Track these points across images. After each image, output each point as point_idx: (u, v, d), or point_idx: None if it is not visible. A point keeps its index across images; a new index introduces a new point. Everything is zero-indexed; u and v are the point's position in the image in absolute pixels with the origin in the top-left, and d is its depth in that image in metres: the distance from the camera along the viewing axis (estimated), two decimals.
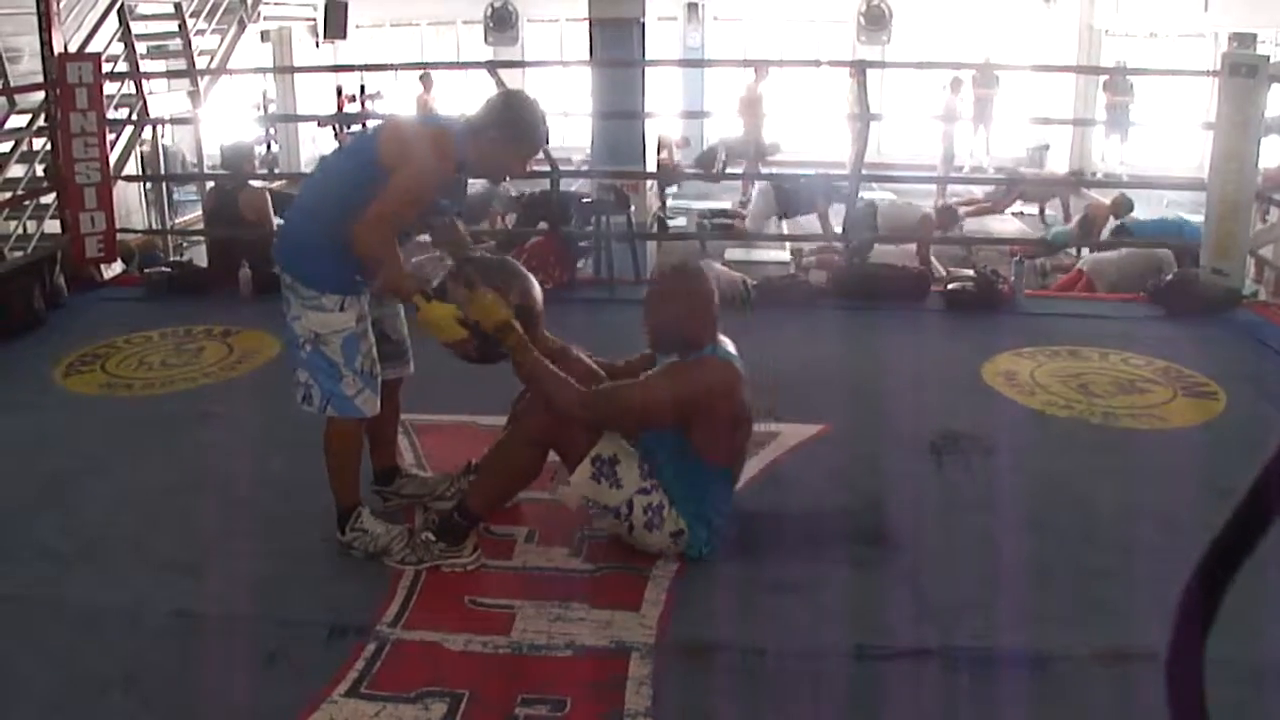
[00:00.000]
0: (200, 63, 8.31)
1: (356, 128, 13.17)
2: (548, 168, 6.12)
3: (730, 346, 2.76)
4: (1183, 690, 0.80)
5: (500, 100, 2.76)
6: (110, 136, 6.00)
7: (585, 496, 2.67)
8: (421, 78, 12.93)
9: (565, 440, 2.65)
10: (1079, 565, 2.72)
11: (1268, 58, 5.80)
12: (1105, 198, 8.72)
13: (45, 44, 5.61)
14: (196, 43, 8.26)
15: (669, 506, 2.65)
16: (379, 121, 2.96)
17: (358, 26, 14.08)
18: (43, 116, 5.82)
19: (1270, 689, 2.15)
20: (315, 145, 13.68)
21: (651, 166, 8.10)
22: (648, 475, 2.65)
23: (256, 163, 7.93)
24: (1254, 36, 12.06)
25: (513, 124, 2.67)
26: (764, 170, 10.67)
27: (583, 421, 2.62)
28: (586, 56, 7.22)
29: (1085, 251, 7.82)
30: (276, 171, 11.91)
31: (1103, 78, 13.29)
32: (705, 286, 2.76)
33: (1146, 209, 10.46)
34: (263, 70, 13.25)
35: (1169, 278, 5.53)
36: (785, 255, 8.71)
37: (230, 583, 2.64)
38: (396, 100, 13.55)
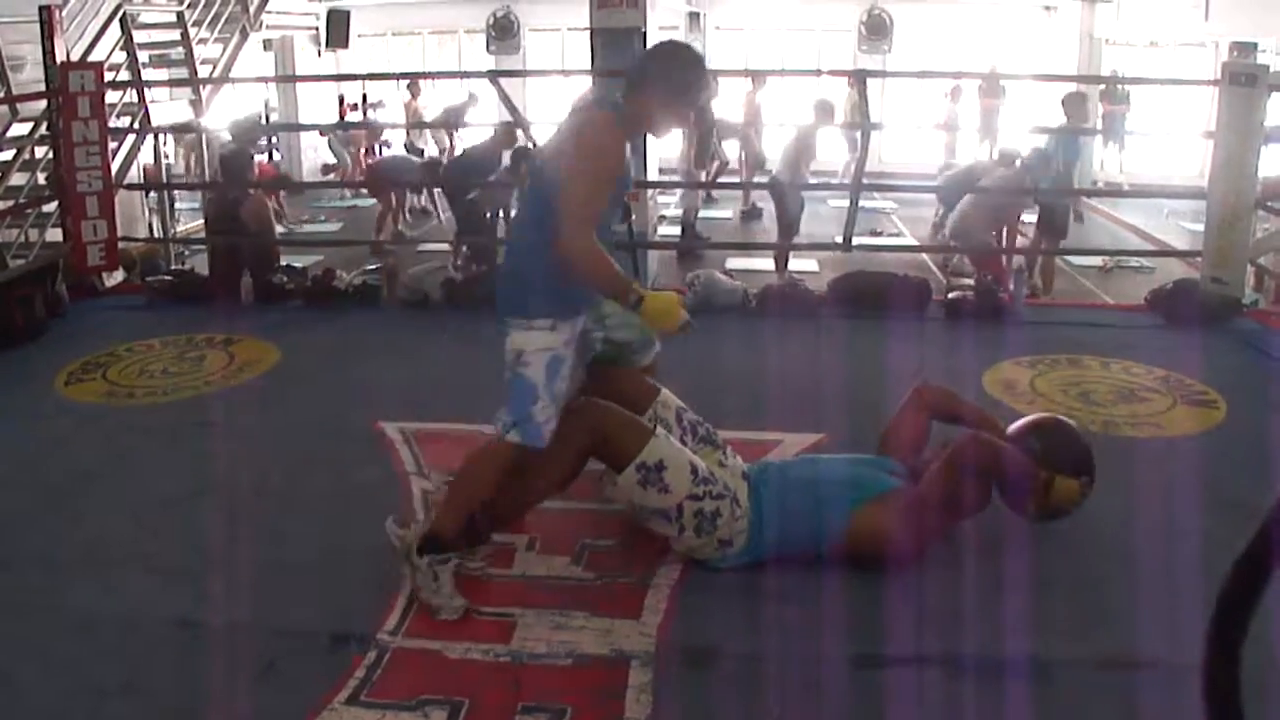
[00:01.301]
0: (202, 71, 8.31)
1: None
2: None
3: None
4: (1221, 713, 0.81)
5: (647, 58, 2.71)
6: (112, 145, 6.01)
7: (631, 501, 2.68)
8: (409, 85, 12.99)
9: (609, 449, 2.64)
10: (1080, 573, 2.73)
11: (1268, 67, 5.83)
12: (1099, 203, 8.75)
13: (48, 52, 5.63)
14: (199, 51, 8.25)
15: (730, 518, 2.64)
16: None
17: (359, 35, 14.11)
18: (45, 125, 5.83)
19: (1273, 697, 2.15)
20: (317, 154, 13.72)
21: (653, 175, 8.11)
22: (701, 482, 2.64)
23: (257, 170, 7.94)
24: (1254, 46, 12.05)
25: (667, 78, 2.59)
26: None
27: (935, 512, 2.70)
28: (588, 66, 7.22)
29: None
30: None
31: (1099, 86, 13.30)
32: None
33: (1146, 217, 10.50)
34: (265, 79, 13.28)
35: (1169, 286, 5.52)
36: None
37: (230, 591, 2.63)
38: (398, 109, 13.58)
